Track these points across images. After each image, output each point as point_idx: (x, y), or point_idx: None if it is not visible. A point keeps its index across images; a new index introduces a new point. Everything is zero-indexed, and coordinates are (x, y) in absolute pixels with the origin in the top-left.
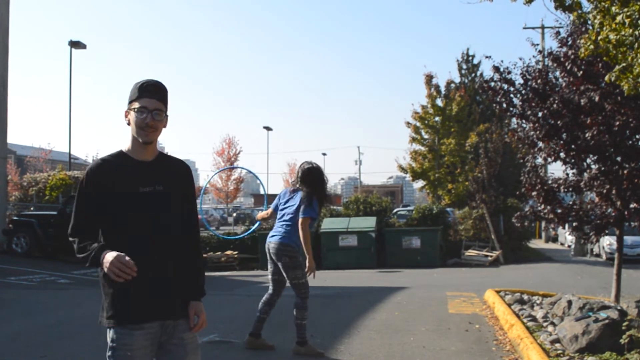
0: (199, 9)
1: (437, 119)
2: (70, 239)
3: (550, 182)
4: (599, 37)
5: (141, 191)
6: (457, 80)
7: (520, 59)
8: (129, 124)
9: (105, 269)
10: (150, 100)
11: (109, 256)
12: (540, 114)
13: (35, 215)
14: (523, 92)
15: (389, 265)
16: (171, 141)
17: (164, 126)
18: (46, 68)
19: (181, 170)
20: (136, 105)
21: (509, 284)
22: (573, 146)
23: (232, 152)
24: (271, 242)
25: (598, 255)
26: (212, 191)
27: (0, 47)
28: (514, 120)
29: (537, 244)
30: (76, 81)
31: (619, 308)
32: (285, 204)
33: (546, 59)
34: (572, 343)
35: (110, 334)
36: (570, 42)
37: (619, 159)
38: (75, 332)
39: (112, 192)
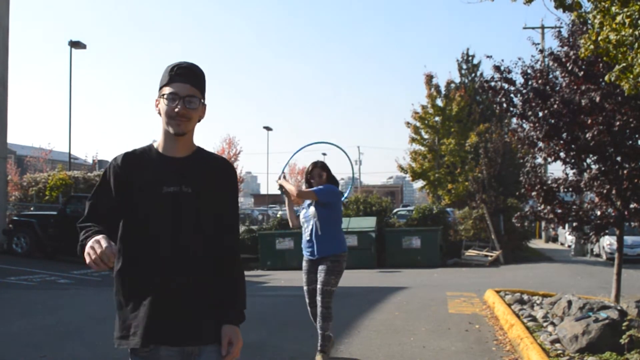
0: (198, 9)
1: (437, 119)
2: (79, 228)
3: (550, 182)
4: (599, 37)
5: (164, 191)
6: (457, 80)
7: (519, 58)
8: (160, 114)
9: (85, 250)
10: (183, 85)
11: (94, 238)
12: (540, 114)
13: (35, 215)
14: (523, 91)
15: (389, 265)
16: None
17: (201, 117)
18: (46, 68)
19: (220, 170)
20: (166, 91)
21: (509, 284)
22: (573, 146)
23: (232, 152)
24: None
25: (598, 255)
26: None
27: (0, 47)
28: (514, 120)
29: (537, 244)
30: (76, 81)
31: (619, 308)
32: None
33: (547, 59)
34: (572, 343)
35: None
36: (571, 42)
37: (619, 159)
38: (75, 332)
39: (131, 189)
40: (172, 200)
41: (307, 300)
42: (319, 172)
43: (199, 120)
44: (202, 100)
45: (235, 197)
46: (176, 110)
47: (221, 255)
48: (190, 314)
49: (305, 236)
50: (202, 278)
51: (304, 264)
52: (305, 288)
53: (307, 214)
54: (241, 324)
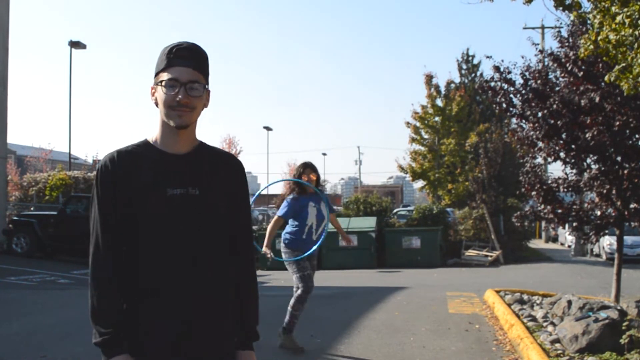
0: (198, 9)
1: (437, 119)
2: (92, 275)
3: (550, 182)
4: (599, 37)
5: (169, 194)
6: (457, 80)
7: (522, 56)
8: (157, 104)
9: None
10: (184, 69)
11: None
12: (540, 114)
13: (35, 215)
14: (523, 92)
15: (389, 265)
16: None
17: (205, 105)
18: (46, 68)
19: (229, 168)
20: (164, 77)
21: (509, 284)
22: (573, 146)
23: (232, 152)
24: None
25: (598, 255)
26: None
27: (0, 47)
28: (514, 120)
29: (537, 244)
30: (76, 81)
31: (619, 308)
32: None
33: (546, 59)
34: (572, 343)
35: None
36: (570, 42)
37: (619, 159)
38: (75, 332)
39: (129, 194)
40: (178, 205)
41: (307, 285)
42: (309, 172)
43: (202, 109)
44: (207, 86)
45: (247, 197)
46: (177, 99)
47: (234, 268)
48: (201, 332)
49: (315, 237)
50: (215, 293)
51: (302, 262)
52: (306, 273)
53: (321, 215)
54: (255, 342)
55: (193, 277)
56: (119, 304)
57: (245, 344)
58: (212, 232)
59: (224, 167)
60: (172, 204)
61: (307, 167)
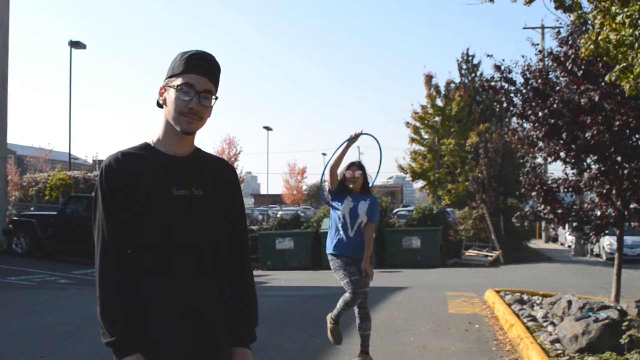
0: (198, 9)
1: (436, 119)
2: (99, 275)
3: (550, 182)
4: (599, 37)
5: (175, 194)
6: (457, 80)
7: (523, 56)
8: (161, 105)
9: None
10: (200, 78)
11: None
12: (540, 114)
13: (35, 215)
14: (523, 91)
15: (389, 265)
16: None
17: (209, 115)
18: (46, 68)
19: (225, 172)
20: (179, 81)
21: (509, 284)
22: (573, 146)
23: (232, 152)
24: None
25: (598, 255)
26: None
27: (0, 46)
28: (514, 120)
29: (537, 244)
30: (76, 81)
31: (619, 308)
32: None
33: (546, 59)
34: (572, 343)
35: None
36: (570, 42)
37: (619, 159)
38: (75, 332)
39: (135, 194)
40: (184, 205)
41: (355, 291)
42: (355, 169)
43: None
44: (216, 97)
45: (242, 200)
46: (190, 106)
47: (235, 267)
48: (206, 334)
49: (350, 233)
50: (218, 292)
51: (344, 258)
52: (353, 279)
53: (358, 211)
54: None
55: (198, 276)
56: (128, 304)
57: (243, 341)
58: (215, 231)
59: (221, 170)
60: (178, 204)
61: (353, 164)
